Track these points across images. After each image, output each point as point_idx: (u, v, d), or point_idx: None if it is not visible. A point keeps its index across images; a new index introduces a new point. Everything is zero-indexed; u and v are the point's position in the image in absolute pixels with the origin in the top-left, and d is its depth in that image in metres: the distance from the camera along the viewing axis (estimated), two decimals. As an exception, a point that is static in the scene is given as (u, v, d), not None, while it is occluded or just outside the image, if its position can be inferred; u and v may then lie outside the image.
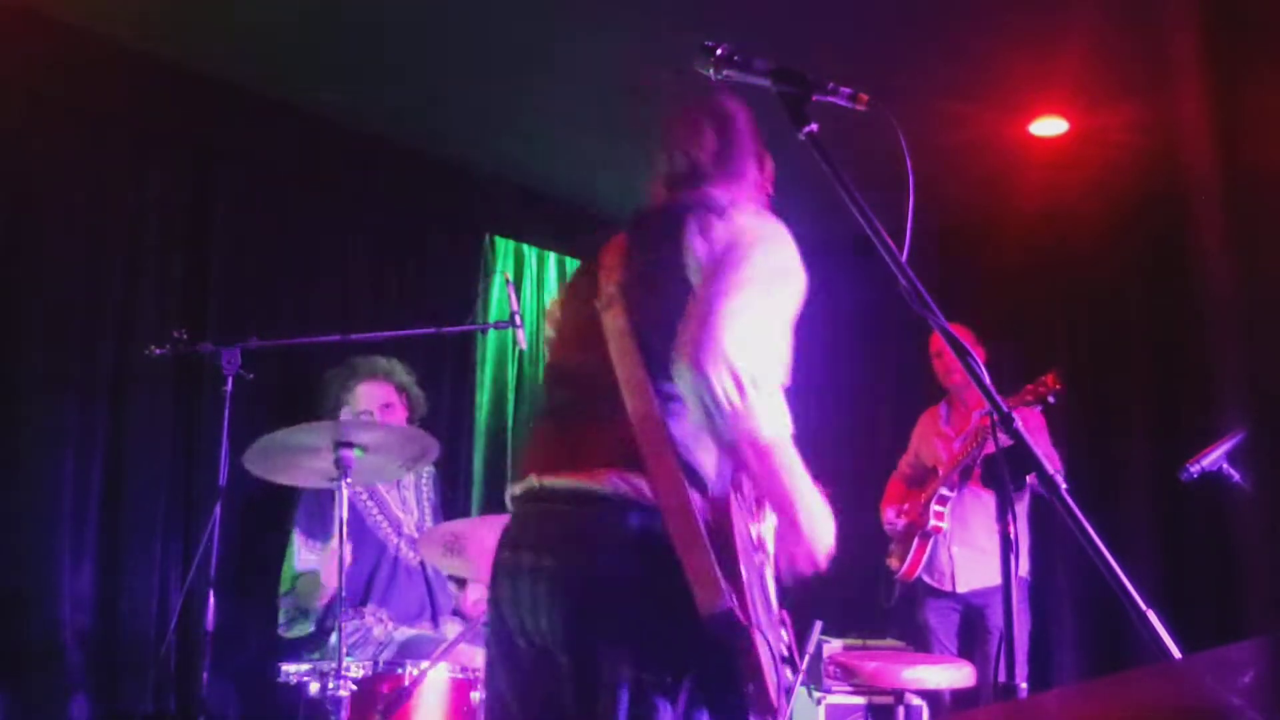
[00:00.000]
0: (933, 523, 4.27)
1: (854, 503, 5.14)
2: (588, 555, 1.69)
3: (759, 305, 1.71)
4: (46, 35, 3.67)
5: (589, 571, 1.69)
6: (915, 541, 4.34)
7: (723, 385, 1.60)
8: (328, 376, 3.73)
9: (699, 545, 1.58)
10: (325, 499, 3.51)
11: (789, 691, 1.95)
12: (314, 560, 3.47)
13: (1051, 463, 4.27)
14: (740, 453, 1.64)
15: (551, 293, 5.93)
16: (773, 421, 1.63)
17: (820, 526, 1.71)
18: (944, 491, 4.27)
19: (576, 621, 1.68)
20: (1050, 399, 3.90)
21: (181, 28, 3.78)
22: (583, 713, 1.65)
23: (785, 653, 1.68)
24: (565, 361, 1.94)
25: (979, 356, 4.24)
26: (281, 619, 3.51)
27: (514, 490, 1.86)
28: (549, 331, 2.11)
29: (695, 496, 1.64)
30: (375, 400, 3.67)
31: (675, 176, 2.00)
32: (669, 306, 1.71)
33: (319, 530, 3.51)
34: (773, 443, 1.63)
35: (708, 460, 1.70)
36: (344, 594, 2.92)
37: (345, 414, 3.62)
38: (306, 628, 3.46)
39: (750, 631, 1.58)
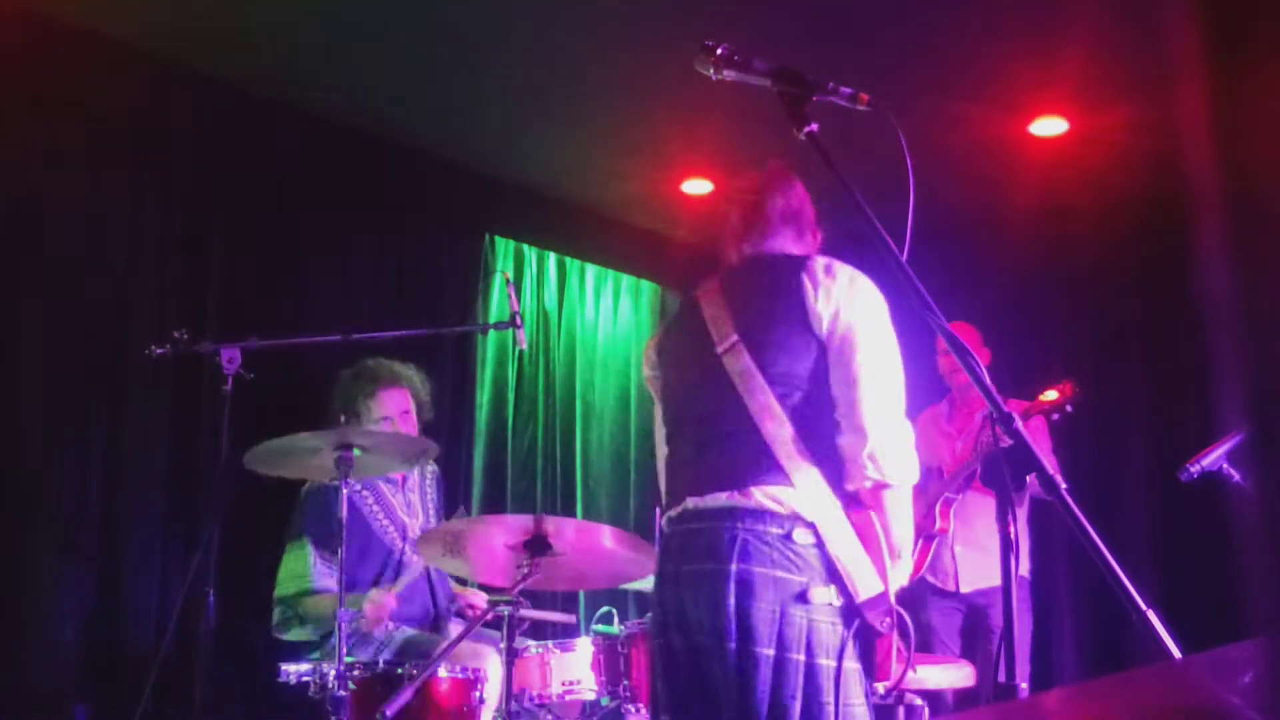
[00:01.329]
0: (939, 524, 4.27)
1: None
2: (740, 559, 2.01)
3: (890, 368, 2.12)
4: (46, 36, 3.67)
5: (742, 573, 2.01)
6: (919, 543, 4.34)
7: (875, 444, 2.05)
8: (344, 377, 3.70)
9: (850, 540, 2.01)
10: (332, 504, 3.50)
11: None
12: (331, 581, 3.39)
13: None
14: (877, 495, 2.09)
15: (552, 293, 5.94)
16: (905, 470, 2.10)
17: (898, 565, 2.11)
18: (950, 495, 4.27)
19: (737, 615, 2.00)
20: (1068, 407, 3.89)
21: (181, 28, 3.78)
22: (744, 698, 1.99)
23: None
24: (696, 400, 2.24)
25: (984, 358, 4.24)
26: (276, 619, 3.49)
27: (671, 514, 2.20)
28: (656, 372, 2.44)
29: (839, 500, 2.05)
30: (396, 407, 3.65)
31: (750, 230, 2.41)
32: (791, 350, 2.12)
33: (331, 540, 3.50)
34: (898, 486, 2.10)
35: (837, 472, 2.09)
36: (345, 594, 2.92)
37: (364, 417, 3.60)
38: (304, 634, 3.46)
39: (894, 611, 2.01)
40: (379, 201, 4.82)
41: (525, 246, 5.72)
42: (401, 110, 4.48)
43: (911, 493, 2.15)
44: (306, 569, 3.46)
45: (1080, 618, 5.06)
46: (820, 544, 2.02)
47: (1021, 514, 4.33)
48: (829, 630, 2.01)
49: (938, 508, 4.28)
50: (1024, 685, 1.66)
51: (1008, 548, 1.56)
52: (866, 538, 2.05)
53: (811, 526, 2.02)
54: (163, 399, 3.97)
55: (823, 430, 2.10)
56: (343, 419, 3.42)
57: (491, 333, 5.18)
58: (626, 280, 6.38)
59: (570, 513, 5.69)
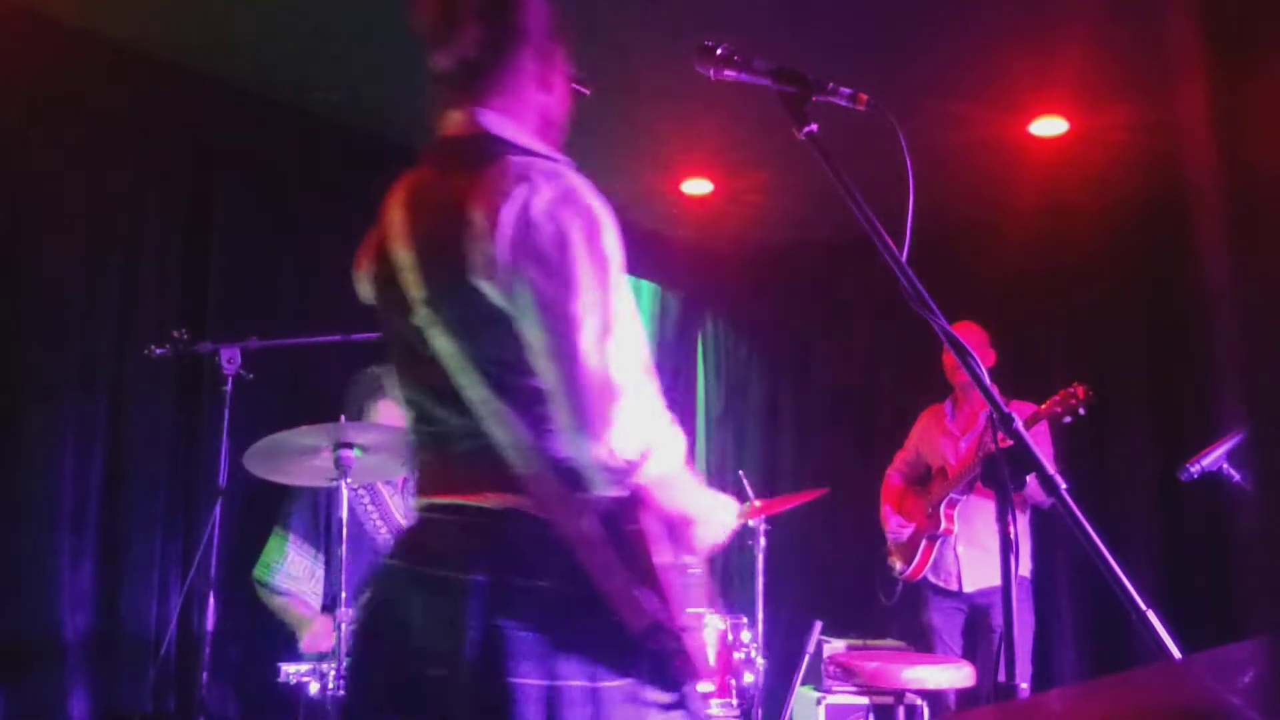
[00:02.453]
0: (944, 525, 4.27)
1: (853, 502, 5.15)
2: (488, 565, 1.52)
3: (609, 318, 1.52)
4: (46, 35, 3.67)
5: (495, 582, 1.52)
6: (923, 543, 4.34)
7: (605, 447, 1.50)
8: (351, 384, 3.70)
9: (608, 568, 1.50)
10: (320, 501, 3.51)
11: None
12: (294, 584, 3.48)
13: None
14: (621, 479, 1.55)
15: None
16: (638, 442, 1.53)
17: (706, 528, 1.69)
18: (955, 495, 4.27)
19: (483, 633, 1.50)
20: (1081, 410, 3.90)
21: (182, 28, 3.78)
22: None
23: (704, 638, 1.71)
24: (415, 382, 1.66)
25: (989, 360, 4.24)
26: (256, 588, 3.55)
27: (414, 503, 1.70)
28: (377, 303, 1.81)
29: (588, 520, 1.51)
30: (397, 419, 3.65)
31: (447, 83, 1.72)
32: (491, 327, 1.52)
33: (313, 535, 3.52)
34: (651, 480, 1.56)
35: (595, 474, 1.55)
36: (345, 593, 2.92)
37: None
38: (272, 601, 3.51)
39: (679, 636, 1.54)
40: (379, 201, 4.81)
41: (525, 246, 5.72)
42: (401, 110, 4.47)
43: (679, 474, 1.64)
44: (277, 561, 3.51)
45: (1080, 618, 5.06)
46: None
47: (1023, 514, 4.34)
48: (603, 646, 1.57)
49: (942, 508, 4.28)
50: (1024, 685, 1.66)
51: (1008, 548, 1.56)
52: (630, 543, 1.57)
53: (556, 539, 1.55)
54: (163, 399, 3.97)
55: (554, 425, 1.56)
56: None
57: (492, 333, 5.17)
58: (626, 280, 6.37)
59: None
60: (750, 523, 4.09)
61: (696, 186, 5.29)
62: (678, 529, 1.65)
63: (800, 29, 3.68)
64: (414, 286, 1.60)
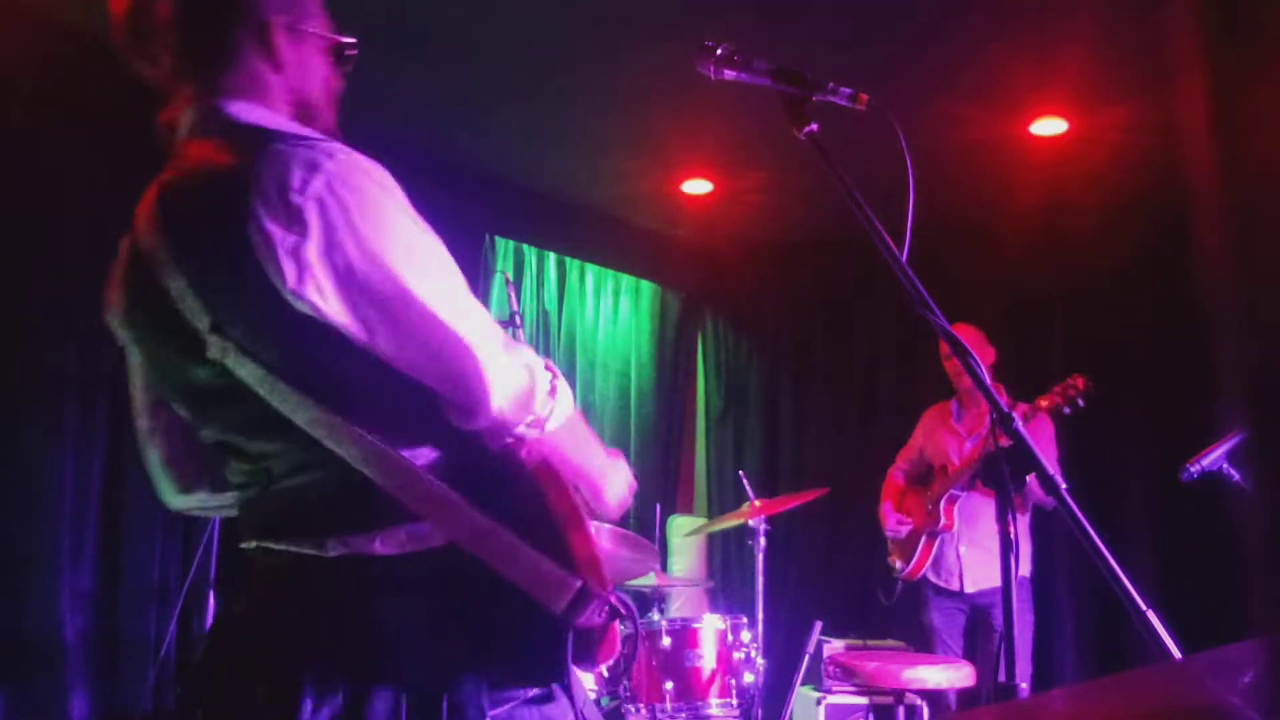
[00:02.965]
0: (943, 521, 4.27)
1: (853, 502, 5.15)
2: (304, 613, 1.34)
3: (439, 275, 1.37)
4: (46, 35, 3.67)
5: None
6: (922, 541, 4.33)
7: (497, 411, 1.34)
8: None
9: (511, 553, 1.32)
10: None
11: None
12: None
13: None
14: (535, 450, 1.42)
15: (552, 293, 5.94)
16: (522, 394, 1.37)
17: (610, 481, 1.56)
18: (955, 492, 4.27)
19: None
20: (1080, 402, 3.90)
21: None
22: None
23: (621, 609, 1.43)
24: (221, 422, 1.44)
25: (989, 357, 4.25)
26: None
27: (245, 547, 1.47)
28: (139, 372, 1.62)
29: (477, 515, 1.33)
30: None
31: (166, 89, 1.53)
32: (307, 334, 1.31)
33: None
34: (555, 428, 1.41)
35: (465, 452, 1.39)
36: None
37: None
38: None
39: (609, 601, 1.38)
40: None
41: (525, 246, 5.72)
42: (400, 110, 4.47)
43: (574, 419, 1.47)
44: None
45: (1080, 618, 5.06)
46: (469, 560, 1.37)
47: (1023, 515, 4.33)
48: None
49: (942, 505, 4.28)
50: (1024, 685, 1.66)
51: (1008, 548, 1.56)
52: (544, 512, 1.40)
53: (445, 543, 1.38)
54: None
55: (420, 416, 1.39)
56: None
57: (491, 333, 5.18)
58: (626, 280, 6.38)
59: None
60: (750, 523, 4.09)
61: (696, 186, 5.29)
62: (586, 487, 1.51)
63: (800, 29, 3.68)
64: (195, 315, 1.36)
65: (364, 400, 1.34)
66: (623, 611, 1.40)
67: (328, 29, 1.58)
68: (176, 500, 1.66)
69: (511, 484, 1.40)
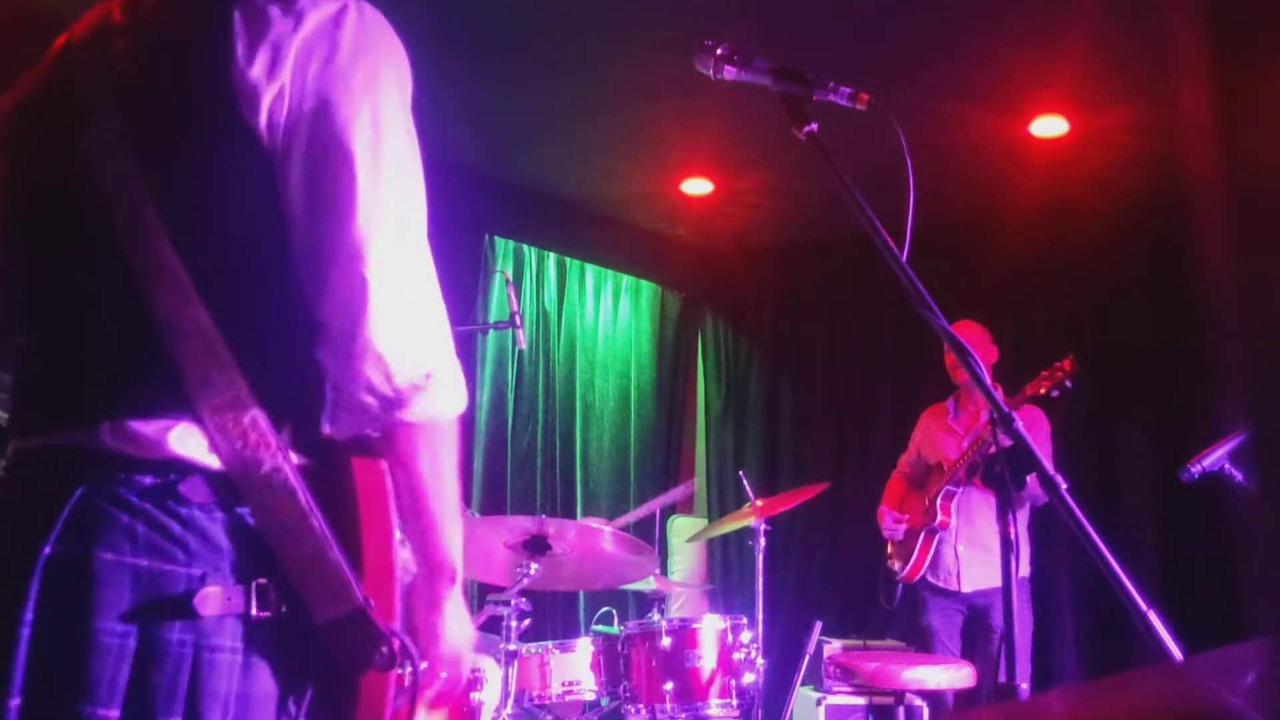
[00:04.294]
0: (939, 518, 4.26)
1: (853, 502, 5.15)
2: (66, 536, 1.06)
3: (410, 198, 1.16)
4: (46, 35, 3.67)
5: (65, 557, 1.06)
6: (920, 540, 4.33)
7: (390, 352, 1.10)
8: None
9: (302, 522, 1.08)
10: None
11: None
12: None
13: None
14: (393, 442, 1.16)
15: (552, 293, 5.94)
16: (446, 392, 1.16)
17: (453, 532, 1.23)
18: (950, 488, 4.26)
19: (34, 639, 1.05)
20: (1068, 384, 3.90)
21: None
22: None
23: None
24: (37, 233, 1.20)
25: (992, 356, 4.25)
26: None
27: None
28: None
29: (291, 456, 1.10)
30: None
31: None
32: (205, 159, 1.11)
33: None
34: (433, 422, 1.16)
35: (294, 396, 1.14)
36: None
37: None
38: None
39: (394, 636, 1.10)
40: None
41: (525, 246, 5.72)
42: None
43: (454, 430, 1.20)
44: None
45: (1081, 618, 5.06)
46: (230, 510, 1.10)
47: (1022, 514, 4.33)
48: (231, 668, 1.08)
49: (938, 502, 4.28)
50: (1024, 685, 1.66)
51: (1008, 548, 1.55)
52: (344, 511, 1.13)
53: (215, 478, 1.09)
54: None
55: (271, 316, 1.14)
56: None
57: (491, 333, 5.18)
58: (626, 280, 6.39)
59: (570, 513, 5.69)
60: (750, 523, 4.09)
61: (696, 186, 5.29)
62: (423, 502, 1.19)
63: (800, 29, 3.68)
64: (106, 145, 1.13)
65: (229, 259, 1.12)
66: (404, 660, 1.11)
67: None
68: None
69: (325, 451, 1.16)
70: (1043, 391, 3.95)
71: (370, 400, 1.12)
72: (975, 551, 4.29)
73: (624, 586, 4.39)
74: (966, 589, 4.30)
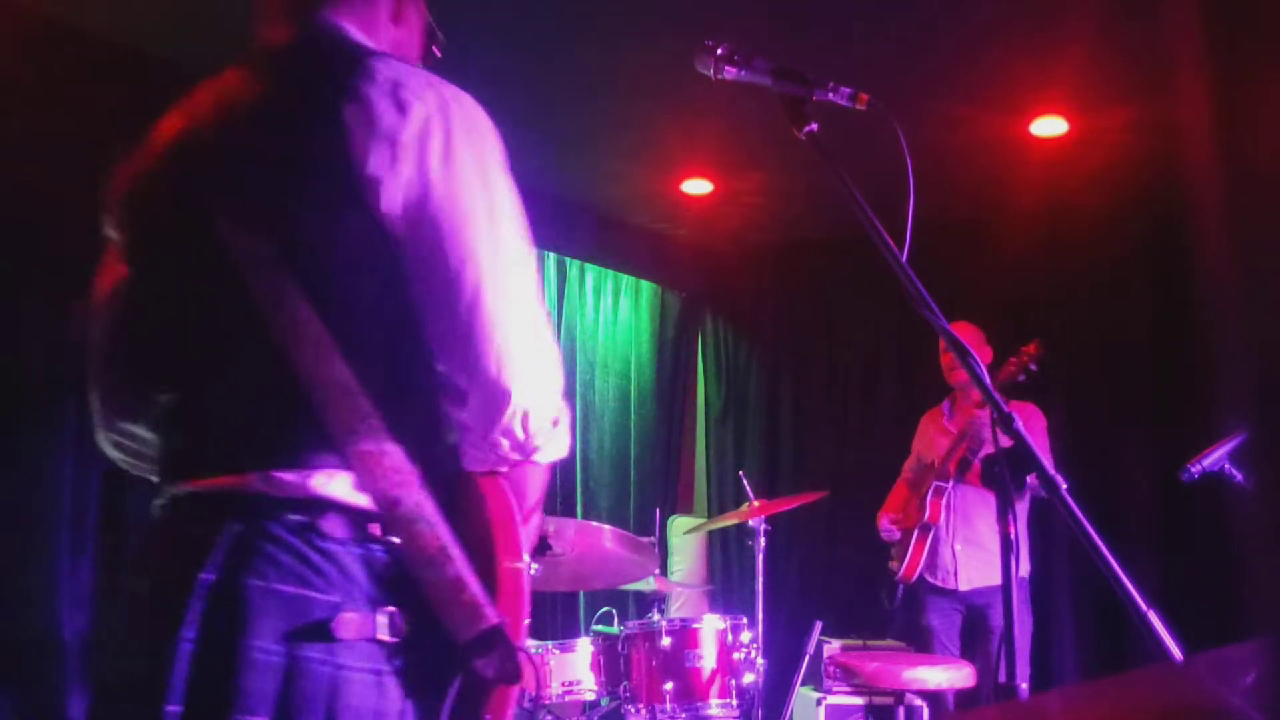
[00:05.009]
0: (928, 515, 4.26)
1: (853, 502, 5.15)
2: (220, 566, 1.20)
3: (522, 266, 1.30)
4: (46, 35, 3.67)
5: (220, 586, 1.19)
6: (914, 538, 4.33)
7: (524, 403, 1.26)
8: None
9: (443, 553, 1.21)
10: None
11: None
12: None
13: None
14: (512, 475, 1.35)
15: (552, 293, 5.94)
16: (555, 448, 1.34)
17: (531, 536, 1.41)
18: (939, 484, 4.27)
19: (196, 657, 1.18)
20: (1032, 366, 3.94)
21: (183, 28, 3.78)
22: None
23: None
24: (180, 306, 1.33)
25: (986, 357, 4.25)
26: None
27: (156, 503, 1.36)
28: (120, 232, 1.52)
29: (426, 495, 1.24)
30: None
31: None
32: (332, 236, 1.24)
33: None
34: (544, 462, 1.36)
35: (429, 440, 1.30)
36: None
37: None
38: None
39: (519, 654, 1.23)
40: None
41: (525, 246, 5.71)
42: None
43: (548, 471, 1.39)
44: None
45: (1081, 618, 5.06)
46: (364, 545, 1.24)
47: (1022, 513, 4.33)
48: (365, 685, 1.21)
49: (928, 498, 4.28)
50: (1024, 686, 1.66)
51: (1008, 548, 1.55)
52: (479, 538, 1.28)
53: (361, 513, 1.23)
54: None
55: (400, 367, 1.29)
56: None
57: (491, 333, 5.17)
58: (626, 280, 6.38)
59: (570, 513, 5.69)
60: (750, 523, 4.09)
61: (696, 186, 5.29)
62: (531, 527, 1.38)
63: (800, 29, 3.68)
64: (237, 213, 1.27)
65: (362, 322, 1.25)
66: (527, 673, 1.26)
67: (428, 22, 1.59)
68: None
69: (455, 483, 1.30)
70: (1012, 379, 3.98)
71: (507, 446, 1.29)
72: (972, 550, 4.29)
73: (624, 586, 4.39)
74: (964, 588, 4.30)
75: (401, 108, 1.24)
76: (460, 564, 1.22)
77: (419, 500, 1.22)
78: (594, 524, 3.70)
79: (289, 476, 1.21)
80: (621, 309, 6.34)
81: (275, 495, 1.21)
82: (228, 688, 1.15)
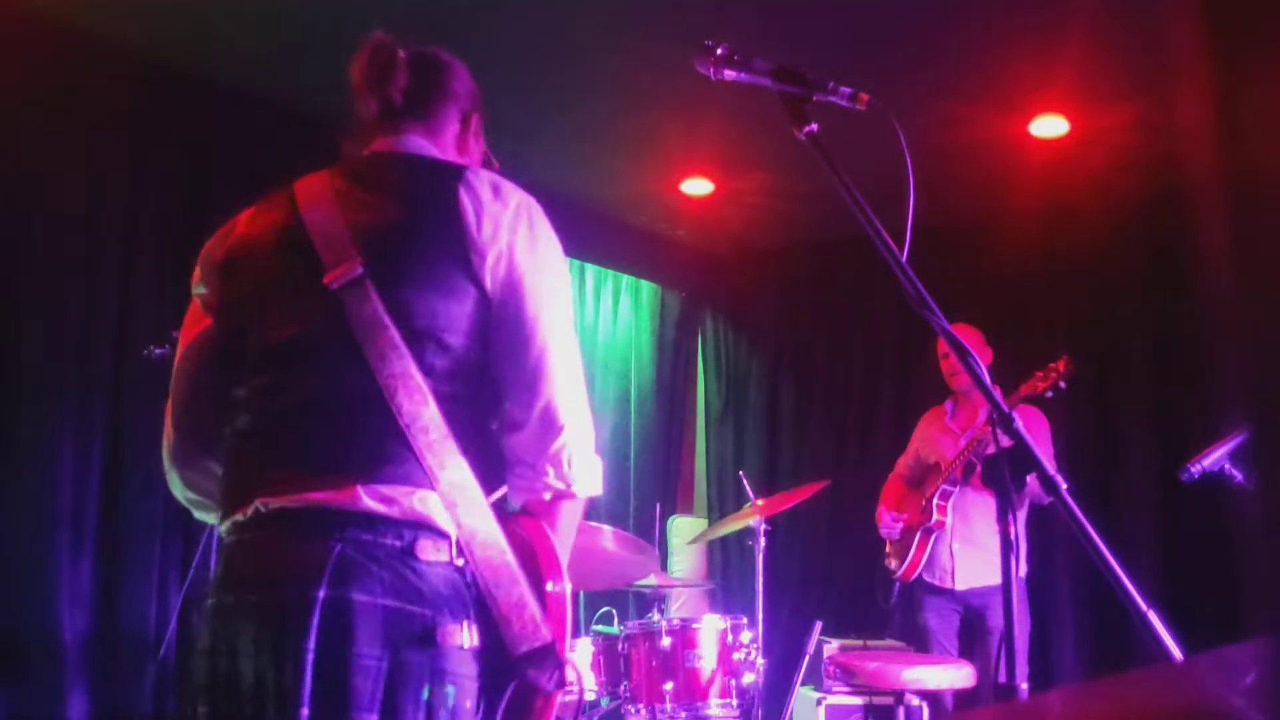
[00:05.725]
0: (935, 518, 4.26)
1: (853, 502, 5.15)
2: (334, 582, 1.38)
3: (572, 340, 1.61)
4: (46, 36, 3.67)
5: (336, 601, 1.37)
6: (916, 538, 4.33)
7: (570, 441, 1.54)
8: None
9: (510, 566, 1.45)
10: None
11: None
12: None
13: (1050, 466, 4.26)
14: (553, 508, 1.57)
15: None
16: (593, 478, 1.60)
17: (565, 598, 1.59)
18: (946, 487, 4.26)
19: (318, 667, 1.36)
20: (1062, 384, 3.91)
21: (183, 28, 3.78)
22: None
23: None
24: (291, 355, 1.53)
25: (986, 358, 4.24)
26: None
27: (236, 517, 1.50)
28: (213, 291, 1.70)
29: (498, 526, 1.47)
30: None
31: (387, 116, 1.75)
32: (445, 292, 1.50)
33: None
34: (582, 501, 1.61)
35: (494, 473, 1.56)
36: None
37: None
38: None
39: (565, 667, 1.45)
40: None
41: (525, 246, 5.72)
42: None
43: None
44: None
45: (1080, 618, 5.06)
46: (449, 565, 1.44)
47: (1021, 514, 4.33)
48: (453, 685, 1.42)
49: (935, 501, 4.28)
50: (1024, 686, 1.66)
51: (1008, 548, 1.55)
52: (530, 565, 1.49)
53: (446, 539, 1.44)
54: (162, 399, 3.96)
55: (480, 412, 1.55)
56: None
57: (491, 333, 5.18)
58: (626, 280, 6.38)
59: (570, 513, 5.68)
60: (751, 523, 4.09)
61: (696, 186, 5.29)
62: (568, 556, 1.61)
63: (801, 29, 3.68)
64: (338, 252, 1.53)
65: (456, 373, 1.50)
66: (571, 686, 1.48)
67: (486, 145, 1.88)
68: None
69: (509, 520, 1.53)
70: (1038, 391, 3.96)
71: (553, 475, 1.54)
72: (970, 549, 4.29)
73: (624, 586, 4.39)
74: (961, 587, 4.30)
75: (500, 198, 1.57)
76: (525, 587, 1.44)
77: (493, 529, 1.45)
78: (594, 524, 3.69)
79: (389, 491, 1.42)
80: (621, 309, 6.34)
81: (375, 512, 1.41)
82: (345, 690, 1.35)
